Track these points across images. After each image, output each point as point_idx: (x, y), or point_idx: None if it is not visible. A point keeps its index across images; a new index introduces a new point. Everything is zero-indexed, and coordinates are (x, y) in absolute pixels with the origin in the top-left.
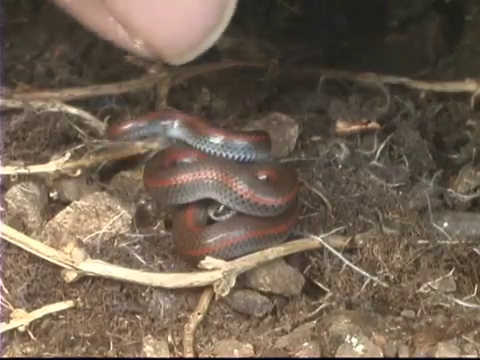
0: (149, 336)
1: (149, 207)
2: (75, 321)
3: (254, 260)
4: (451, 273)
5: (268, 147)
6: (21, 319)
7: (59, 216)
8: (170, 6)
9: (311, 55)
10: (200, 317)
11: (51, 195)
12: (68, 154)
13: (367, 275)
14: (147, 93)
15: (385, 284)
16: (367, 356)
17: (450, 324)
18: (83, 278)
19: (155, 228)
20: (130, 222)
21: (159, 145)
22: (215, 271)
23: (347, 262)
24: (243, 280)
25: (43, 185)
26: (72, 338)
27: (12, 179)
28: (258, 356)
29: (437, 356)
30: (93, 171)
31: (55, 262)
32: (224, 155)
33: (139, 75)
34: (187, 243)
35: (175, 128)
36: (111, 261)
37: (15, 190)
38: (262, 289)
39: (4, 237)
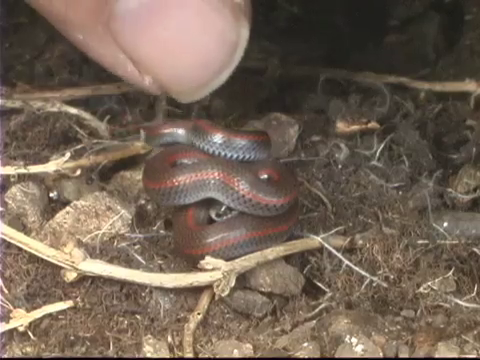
0: (149, 336)
1: (149, 207)
2: (75, 321)
3: (254, 260)
4: (451, 273)
5: (268, 147)
6: (21, 319)
7: (59, 216)
8: (183, 44)
9: (311, 55)
10: (200, 317)
11: (51, 195)
12: (68, 154)
13: (367, 275)
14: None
15: (385, 284)
16: (367, 356)
17: (450, 324)
18: (83, 278)
19: (155, 228)
20: (130, 222)
21: None
22: (215, 271)
23: (347, 262)
24: (243, 280)
25: (43, 185)
26: (72, 338)
27: (12, 179)
28: (258, 356)
29: (437, 356)
30: (93, 171)
31: (55, 262)
32: (224, 154)
33: None
34: (187, 242)
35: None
36: (111, 261)
37: (15, 190)
38: (262, 289)
39: (4, 237)
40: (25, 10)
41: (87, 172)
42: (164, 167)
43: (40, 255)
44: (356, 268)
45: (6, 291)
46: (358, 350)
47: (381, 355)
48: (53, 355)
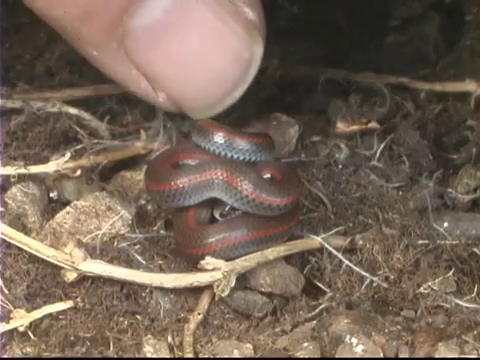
0: (149, 336)
1: (149, 207)
2: (75, 321)
3: (254, 260)
4: (451, 273)
5: (272, 150)
6: (21, 319)
7: (59, 216)
8: (197, 62)
9: (311, 55)
10: (200, 317)
11: (51, 195)
12: (68, 154)
13: (367, 275)
14: None
15: (385, 284)
16: (367, 356)
17: (450, 324)
18: (83, 278)
19: (155, 228)
20: (130, 222)
21: (159, 145)
22: (215, 271)
23: (347, 262)
24: (243, 280)
25: (43, 185)
26: (72, 338)
27: (12, 179)
28: (258, 356)
29: (437, 356)
30: (93, 171)
31: (55, 262)
32: (227, 155)
33: None
34: (188, 242)
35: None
36: (111, 261)
37: (15, 190)
38: (262, 289)
39: (4, 237)
40: (25, 10)
41: (87, 172)
42: (166, 168)
43: (40, 255)
44: (356, 268)
45: (6, 291)
46: (358, 350)
47: (381, 355)
48: (53, 355)
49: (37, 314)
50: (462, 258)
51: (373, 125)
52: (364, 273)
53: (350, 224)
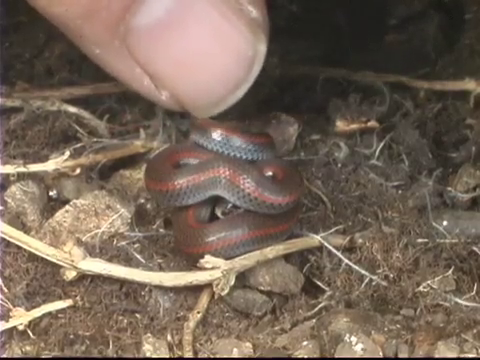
0: (148, 335)
1: (148, 206)
2: (74, 320)
3: (253, 259)
4: (450, 272)
5: (272, 150)
6: (20, 318)
7: (58, 215)
8: (199, 60)
9: (311, 54)
10: (199, 316)
11: (50, 194)
12: (67, 153)
13: (366, 274)
14: None
15: (384, 283)
16: (366, 355)
17: (449, 323)
18: (82, 277)
19: (154, 227)
20: (129, 221)
21: (158, 144)
22: (214, 270)
23: (346, 261)
24: (242, 279)
25: (42, 184)
26: (71, 337)
27: (11, 178)
28: (257, 355)
29: (436, 355)
30: (92, 170)
31: (54, 261)
32: (227, 154)
33: None
34: (188, 240)
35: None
36: (110, 260)
37: (14, 189)
38: (261, 288)
39: (3, 236)
40: (25, 9)
41: (87, 171)
42: (167, 168)
43: (40, 254)
44: (356, 267)
45: (6, 290)
46: (358, 349)
47: (381, 354)
48: (53, 354)
49: (36, 313)
50: (461, 257)
51: (372, 124)
52: (363, 272)
53: (349, 223)
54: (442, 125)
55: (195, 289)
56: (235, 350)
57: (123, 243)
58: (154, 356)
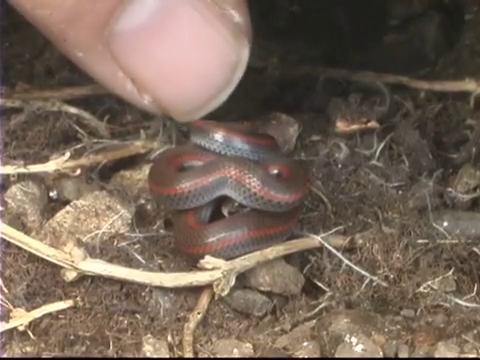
0: (149, 335)
1: (149, 206)
2: (75, 320)
3: (254, 259)
4: (451, 272)
5: (275, 151)
6: (21, 318)
7: (59, 215)
8: (182, 65)
9: (311, 54)
10: (200, 316)
11: (51, 194)
12: (68, 153)
13: (367, 274)
14: None
15: (385, 283)
16: (367, 356)
17: (450, 323)
18: (83, 277)
19: (155, 227)
20: (130, 221)
21: (158, 144)
22: (215, 270)
23: (347, 261)
24: (243, 279)
25: (43, 184)
26: (72, 337)
27: (12, 178)
28: (258, 355)
29: (437, 356)
30: (93, 170)
31: (55, 261)
32: (230, 155)
33: None
34: (188, 241)
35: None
36: (111, 260)
37: (15, 189)
38: (262, 288)
39: (4, 236)
40: None
41: (87, 171)
42: (172, 171)
43: (40, 254)
44: (356, 268)
45: (6, 290)
46: (358, 350)
47: (381, 355)
48: (53, 355)
49: (37, 313)
50: (462, 257)
51: (373, 124)
52: (364, 272)
53: (350, 223)
54: (442, 126)
55: (195, 290)
56: (235, 351)
57: (123, 244)
58: (154, 357)
